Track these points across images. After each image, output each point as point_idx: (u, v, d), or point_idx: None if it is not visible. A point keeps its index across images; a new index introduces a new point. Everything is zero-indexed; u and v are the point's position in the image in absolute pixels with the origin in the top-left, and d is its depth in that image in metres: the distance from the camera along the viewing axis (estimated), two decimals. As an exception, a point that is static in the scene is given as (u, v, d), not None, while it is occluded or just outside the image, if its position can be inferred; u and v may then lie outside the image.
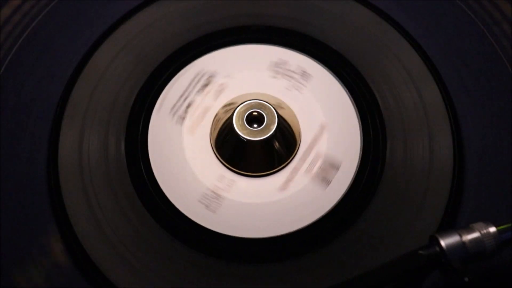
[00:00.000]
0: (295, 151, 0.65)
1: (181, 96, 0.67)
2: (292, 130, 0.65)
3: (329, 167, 0.64)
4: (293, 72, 0.68)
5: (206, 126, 0.66)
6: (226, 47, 0.69)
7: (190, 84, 0.67)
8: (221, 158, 0.64)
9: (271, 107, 0.63)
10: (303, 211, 0.62)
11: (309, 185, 0.63)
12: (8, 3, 0.70)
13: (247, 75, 0.68)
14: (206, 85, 0.67)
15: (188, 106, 0.66)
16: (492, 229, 0.54)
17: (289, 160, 0.65)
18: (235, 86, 0.67)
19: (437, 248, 0.53)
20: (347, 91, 0.67)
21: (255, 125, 0.63)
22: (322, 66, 0.68)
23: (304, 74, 0.68)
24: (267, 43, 0.69)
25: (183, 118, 0.66)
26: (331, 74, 0.68)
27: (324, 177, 0.64)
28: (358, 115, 0.66)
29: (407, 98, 0.67)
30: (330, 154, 0.65)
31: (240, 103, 0.64)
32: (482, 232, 0.53)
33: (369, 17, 0.71)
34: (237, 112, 0.63)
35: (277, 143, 0.63)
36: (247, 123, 0.63)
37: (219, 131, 0.65)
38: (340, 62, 0.68)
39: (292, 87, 0.67)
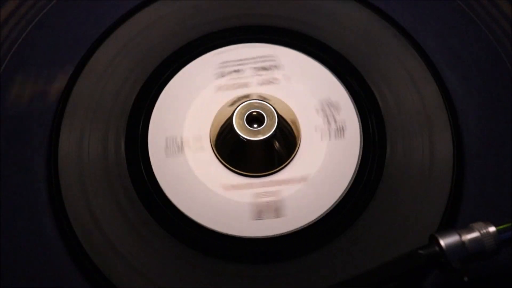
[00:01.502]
0: (295, 151, 0.65)
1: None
2: (292, 130, 0.65)
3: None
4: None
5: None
6: (225, 47, 0.69)
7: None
8: (221, 158, 0.64)
9: (271, 107, 0.63)
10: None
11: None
12: (8, 3, 0.70)
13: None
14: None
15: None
16: (492, 229, 0.54)
17: (289, 160, 0.64)
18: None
19: (437, 248, 0.53)
20: (347, 91, 0.67)
21: (255, 125, 0.63)
22: (322, 66, 0.68)
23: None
24: (267, 43, 0.69)
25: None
26: (331, 74, 0.68)
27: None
28: (358, 115, 0.66)
29: (407, 98, 0.67)
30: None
31: (240, 103, 0.64)
32: (482, 231, 0.53)
33: (369, 17, 0.71)
34: (237, 112, 0.63)
35: (277, 143, 0.63)
36: (247, 123, 0.63)
37: (219, 131, 0.65)
38: (340, 62, 0.68)
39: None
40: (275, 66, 0.68)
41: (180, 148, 0.65)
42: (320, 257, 0.61)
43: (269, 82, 0.67)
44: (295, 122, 0.66)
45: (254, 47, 0.69)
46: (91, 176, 0.64)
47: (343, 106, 0.66)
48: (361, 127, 0.66)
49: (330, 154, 0.65)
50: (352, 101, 0.67)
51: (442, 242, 0.53)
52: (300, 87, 0.67)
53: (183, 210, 0.62)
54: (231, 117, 0.63)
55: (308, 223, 0.62)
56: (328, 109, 0.66)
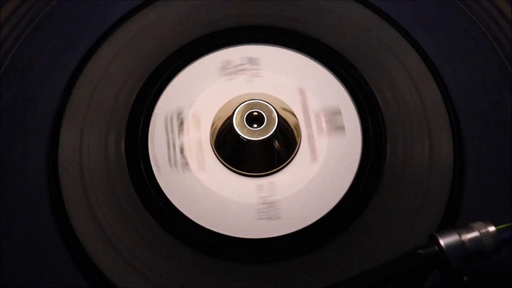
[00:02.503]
0: (295, 151, 0.65)
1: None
2: (292, 130, 0.65)
3: (333, 115, 0.65)
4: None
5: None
6: (225, 47, 0.69)
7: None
8: (221, 158, 0.64)
9: (271, 107, 0.63)
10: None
11: (330, 143, 0.64)
12: (8, 3, 0.70)
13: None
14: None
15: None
16: (492, 229, 0.54)
17: (289, 160, 0.64)
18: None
19: (436, 248, 0.53)
20: (347, 91, 0.67)
21: (255, 125, 0.63)
22: (322, 66, 0.68)
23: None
24: (267, 43, 0.69)
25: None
26: (331, 74, 0.68)
27: (336, 126, 0.65)
28: (358, 115, 0.66)
29: (407, 98, 0.67)
30: (325, 107, 0.65)
31: (240, 103, 0.64)
32: (482, 231, 0.53)
33: (369, 17, 0.71)
34: (237, 112, 0.63)
35: (277, 143, 0.63)
36: (247, 123, 0.63)
37: (219, 131, 0.65)
38: (340, 62, 0.68)
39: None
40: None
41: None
42: (320, 257, 0.61)
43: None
44: (296, 125, 0.66)
45: (253, 47, 0.69)
46: (91, 177, 0.64)
47: (343, 106, 0.66)
48: (361, 127, 0.66)
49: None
50: (352, 101, 0.67)
51: (442, 242, 0.53)
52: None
53: (182, 210, 0.62)
54: (231, 117, 0.63)
55: (307, 223, 0.62)
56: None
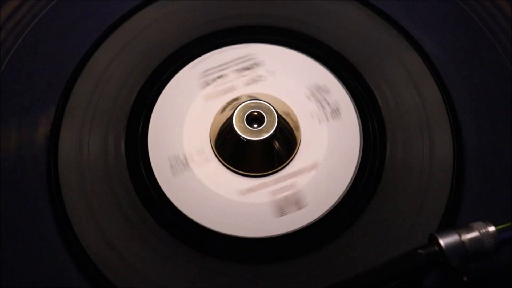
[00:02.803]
0: (295, 151, 0.65)
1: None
2: (292, 130, 0.65)
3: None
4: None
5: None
6: (225, 47, 0.69)
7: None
8: (221, 158, 0.64)
9: (271, 107, 0.63)
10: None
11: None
12: (8, 3, 0.70)
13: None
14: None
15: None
16: (491, 229, 0.54)
17: (289, 160, 0.64)
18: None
19: (436, 248, 0.53)
20: (347, 91, 0.67)
21: (255, 125, 0.63)
22: (322, 66, 0.68)
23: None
24: (267, 43, 0.69)
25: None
26: (331, 74, 0.68)
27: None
28: (358, 115, 0.66)
29: (407, 98, 0.67)
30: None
31: (240, 103, 0.64)
32: (481, 231, 0.53)
33: (369, 17, 0.70)
34: (237, 112, 0.63)
35: (277, 143, 0.63)
36: (247, 123, 0.63)
37: (219, 131, 0.65)
38: (340, 62, 0.68)
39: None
40: (265, 70, 0.68)
41: (180, 147, 0.65)
42: (320, 257, 0.61)
43: (254, 80, 0.68)
44: (297, 126, 0.66)
45: (253, 47, 0.69)
46: (91, 176, 0.64)
47: (343, 106, 0.66)
48: (361, 127, 0.66)
49: (329, 155, 0.65)
50: (352, 101, 0.66)
51: (442, 242, 0.53)
52: (299, 87, 0.67)
53: (183, 210, 0.62)
54: (231, 118, 0.63)
55: (307, 224, 0.62)
56: (329, 110, 0.66)
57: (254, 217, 0.62)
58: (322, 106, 0.66)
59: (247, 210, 0.62)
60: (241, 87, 0.67)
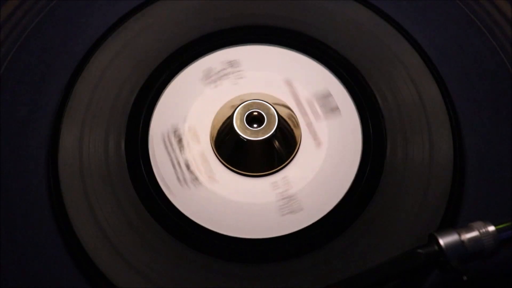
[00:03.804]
0: (295, 151, 0.65)
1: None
2: (292, 130, 0.65)
3: (325, 100, 0.65)
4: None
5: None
6: (225, 47, 0.69)
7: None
8: (221, 158, 0.64)
9: (271, 107, 0.63)
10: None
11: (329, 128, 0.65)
12: (8, 3, 0.70)
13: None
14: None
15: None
16: (491, 228, 0.54)
17: (289, 160, 0.64)
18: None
19: (436, 247, 0.53)
20: (347, 91, 0.67)
21: (255, 125, 0.63)
22: (322, 66, 0.68)
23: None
24: (267, 43, 0.69)
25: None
26: (331, 74, 0.68)
27: (331, 109, 0.65)
28: (358, 115, 0.66)
29: (407, 98, 0.67)
30: (315, 91, 0.66)
31: (240, 103, 0.64)
32: (481, 231, 0.53)
33: (369, 17, 0.71)
34: (237, 112, 0.63)
35: (277, 143, 0.63)
36: (247, 123, 0.63)
37: (219, 131, 0.65)
38: (340, 62, 0.68)
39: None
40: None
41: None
42: (320, 257, 0.61)
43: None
44: (296, 124, 0.66)
45: (254, 47, 0.69)
46: (91, 176, 0.64)
47: (343, 106, 0.66)
48: (361, 127, 0.66)
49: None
50: (352, 101, 0.67)
51: (441, 241, 0.53)
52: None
53: (183, 210, 0.62)
54: (231, 117, 0.63)
55: (308, 224, 0.62)
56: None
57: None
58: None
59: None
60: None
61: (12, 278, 0.60)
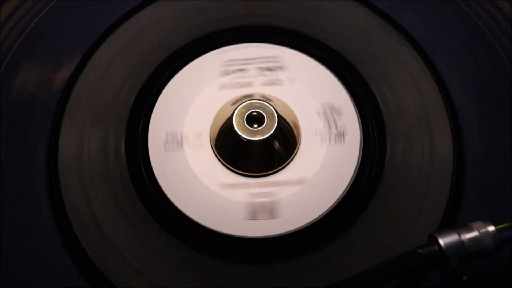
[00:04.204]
0: (295, 151, 0.65)
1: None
2: (292, 131, 0.65)
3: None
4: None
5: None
6: (225, 47, 0.69)
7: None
8: (221, 158, 0.64)
9: (271, 107, 0.63)
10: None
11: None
12: (8, 3, 0.70)
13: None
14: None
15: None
16: (491, 228, 0.54)
17: (289, 160, 0.65)
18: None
19: (436, 247, 0.53)
20: (347, 91, 0.67)
21: (255, 125, 0.63)
22: (322, 66, 0.68)
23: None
24: (267, 43, 0.69)
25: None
26: (331, 74, 0.68)
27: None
28: (358, 115, 0.66)
29: (407, 98, 0.67)
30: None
31: (240, 103, 0.64)
32: (481, 231, 0.53)
33: (369, 17, 0.71)
34: (237, 112, 0.63)
35: (277, 143, 0.63)
36: (247, 123, 0.63)
37: (219, 131, 0.65)
38: (340, 62, 0.68)
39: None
40: (280, 67, 0.68)
41: (180, 144, 0.65)
42: (321, 257, 0.61)
43: (272, 83, 0.67)
44: (296, 123, 0.66)
45: (258, 47, 0.69)
46: (91, 176, 0.64)
47: (344, 108, 0.66)
48: (361, 128, 0.66)
49: (330, 156, 0.65)
50: (352, 102, 0.66)
51: (441, 241, 0.53)
52: (303, 89, 0.67)
53: (182, 210, 0.62)
54: (231, 117, 0.63)
55: (306, 224, 0.62)
56: (330, 112, 0.66)
57: (227, 213, 0.62)
58: (329, 127, 0.66)
59: (247, 209, 0.63)
60: (258, 85, 0.67)
61: (12, 278, 0.60)
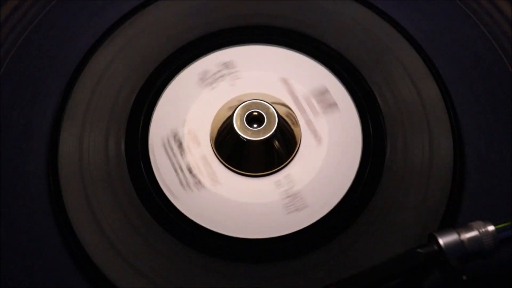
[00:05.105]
0: (295, 151, 0.65)
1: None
2: (292, 129, 0.65)
3: (322, 96, 0.65)
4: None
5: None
6: (225, 48, 0.69)
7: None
8: (221, 158, 0.64)
9: (271, 107, 0.63)
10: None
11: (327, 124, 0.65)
12: (8, 3, 0.70)
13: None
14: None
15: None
16: (491, 228, 0.54)
17: (289, 160, 0.64)
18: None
19: (436, 247, 0.53)
20: (347, 91, 0.67)
21: (255, 125, 0.63)
22: (323, 66, 0.68)
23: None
24: (267, 43, 0.69)
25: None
26: (332, 74, 0.68)
27: (329, 105, 0.65)
28: (358, 115, 0.66)
29: (407, 98, 0.67)
30: (312, 88, 0.66)
31: (240, 103, 0.64)
32: (481, 230, 0.53)
33: (369, 17, 0.71)
34: (237, 112, 0.63)
35: (277, 143, 0.63)
36: (247, 123, 0.63)
37: (219, 131, 0.65)
38: (340, 62, 0.68)
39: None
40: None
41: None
42: (320, 257, 0.61)
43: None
44: (295, 123, 0.66)
45: (257, 48, 0.69)
46: (91, 177, 0.64)
47: (343, 106, 0.66)
48: (361, 127, 0.66)
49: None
50: (352, 101, 0.66)
51: (441, 241, 0.53)
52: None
53: (183, 210, 0.62)
54: (231, 117, 0.63)
55: (307, 224, 0.62)
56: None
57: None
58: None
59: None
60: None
61: (12, 278, 0.60)
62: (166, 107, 0.66)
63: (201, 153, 0.65)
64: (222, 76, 0.68)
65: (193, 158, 0.65)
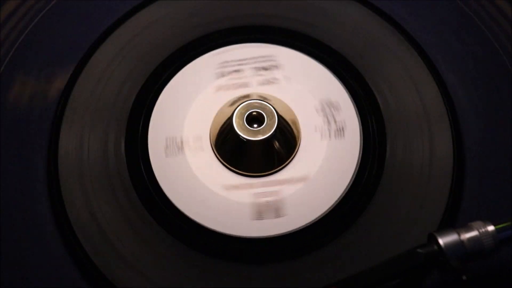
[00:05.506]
0: (295, 151, 0.65)
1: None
2: (292, 129, 0.65)
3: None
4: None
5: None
6: (225, 47, 0.69)
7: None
8: (221, 158, 0.64)
9: (271, 107, 0.63)
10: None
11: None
12: (8, 3, 0.71)
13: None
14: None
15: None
16: (491, 228, 0.54)
17: (289, 160, 0.64)
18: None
19: (436, 247, 0.53)
20: (347, 91, 0.67)
21: (255, 125, 0.63)
22: (322, 66, 0.68)
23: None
24: (267, 43, 0.69)
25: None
26: (331, 74, 0.68)
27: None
28: (358, 115, 0.66)
29: (407, 98, 0.67)
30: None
31: (240, 103, 0.64)
32: (481, 230, 0.53)
33: (369, 17, 0.71)
34: (237, 112, 0.63)
35: (277, 143, 0.63)
36: (247, 123, 0.63)
37: (219, 131, 0.65)
38: (340, 62, 0.68)
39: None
40: (275, 66, 0.68)
41: (180, 148, 0.65)
42: (320, 257, 0.61)
43: (269, 82, 0.67)
44: (295, 122, 0.66)
45: (254, 47, 0.69)
46: (91, 176, 0.64)
47: (343, 106, 0.66)
48: (361, 127, 0.66)
49: (330, 154, 0.65)
50: (352, 101, 0.67)
51: (441, 241, 0.53)
52: (300, 87, 0.67)
53: (183, 210, 0.62)
54: (231, 117, 0.63)
55: (307, 223, 0.62)
56: (328, 109, 0.66)
57: (252, 217, 0.62)
58: (328, 122, 0.66)
59: (247, 209, 0.63)
60: (254, 85, 0.67)
61: (12, 278, 0.60)
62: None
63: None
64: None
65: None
